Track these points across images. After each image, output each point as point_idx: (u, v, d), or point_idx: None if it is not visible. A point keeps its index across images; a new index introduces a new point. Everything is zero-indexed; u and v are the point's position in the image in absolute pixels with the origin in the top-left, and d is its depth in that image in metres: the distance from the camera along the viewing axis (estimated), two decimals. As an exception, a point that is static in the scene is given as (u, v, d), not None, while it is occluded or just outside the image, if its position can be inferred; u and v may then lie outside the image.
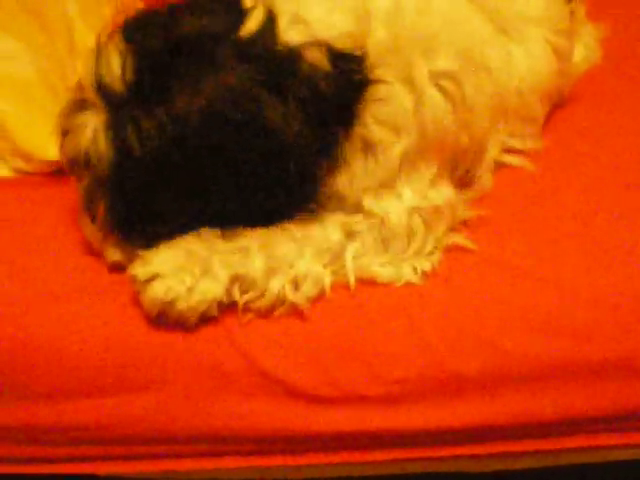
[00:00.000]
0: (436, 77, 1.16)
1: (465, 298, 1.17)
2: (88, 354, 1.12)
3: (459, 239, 1.22)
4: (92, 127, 1.07)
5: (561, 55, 1.42)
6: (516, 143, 1.38)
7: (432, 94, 1.16)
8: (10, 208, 1.33)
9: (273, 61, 1.07)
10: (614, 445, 1.17)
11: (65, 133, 1.11)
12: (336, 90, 1.08)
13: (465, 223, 1.25)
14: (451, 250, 1.22)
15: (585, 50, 1.59)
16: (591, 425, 1.15)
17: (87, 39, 1.59)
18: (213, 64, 1.05)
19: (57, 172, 1.36)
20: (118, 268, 1.17)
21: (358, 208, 1.17)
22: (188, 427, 1.13)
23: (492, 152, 1.32)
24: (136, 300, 1.12)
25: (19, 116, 1.37)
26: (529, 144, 1.39)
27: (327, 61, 1.08)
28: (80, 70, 1.51)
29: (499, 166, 1.35)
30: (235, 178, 1.07)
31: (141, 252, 1.11)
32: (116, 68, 1.06)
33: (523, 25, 1.34)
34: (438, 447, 1.15)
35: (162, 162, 1.05)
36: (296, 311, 1.12)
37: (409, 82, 1.15)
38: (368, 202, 1.15)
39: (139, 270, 1.09)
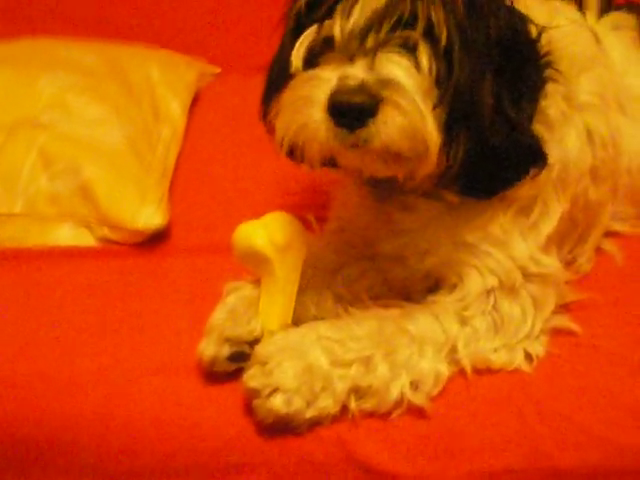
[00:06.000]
0: (582, 107, 1.15)
1: (568, 386, 1.12)
2: (177, 435, 1.09)
3: (564, 322, 1.17)
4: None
5: None
6: (617, 225, 1.33)
7: (578, 120, 1.15)
8: (92, 279, 1.28)
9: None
10: None
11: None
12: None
13: (566, 306, 1.20)
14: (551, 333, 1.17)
15: None
16: None
17: (169, 105, 1.59)
18: None
19: (142, 243, 1.33)
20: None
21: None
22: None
23: (599, 231, 1.28)
24: (228, 382, 1.10)
25: (106, 182, 1.34)
26: (629, 227, 1.34)
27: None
28: (165, 136, 1.52)
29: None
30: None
31: (256, 359, 1.07)
32: None
33: (634, 101, 1.29)
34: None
35: None
36: (414, 409, 1.07)
37: (567, 98, 1.14)
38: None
39: (259, 382, 1.05)
